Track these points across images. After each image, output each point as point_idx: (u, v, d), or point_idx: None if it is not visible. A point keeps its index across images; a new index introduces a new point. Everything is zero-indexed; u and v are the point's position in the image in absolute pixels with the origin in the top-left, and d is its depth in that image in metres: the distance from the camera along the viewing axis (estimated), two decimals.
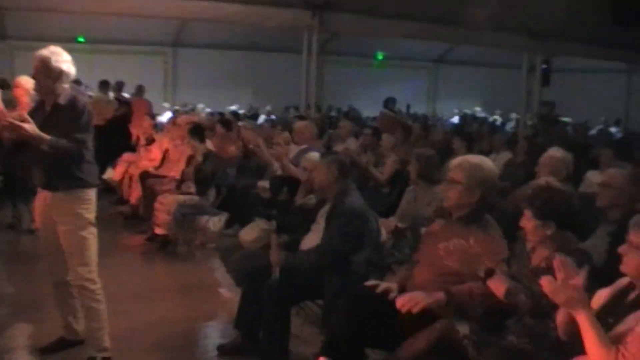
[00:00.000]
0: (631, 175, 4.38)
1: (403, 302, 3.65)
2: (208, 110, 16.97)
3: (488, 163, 4.15)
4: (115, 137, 11.07)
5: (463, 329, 3.47)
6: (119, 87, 14.02)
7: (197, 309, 6.20)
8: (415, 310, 3.61)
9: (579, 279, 2.83)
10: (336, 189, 5.03)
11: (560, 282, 2.82)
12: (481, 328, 3.50)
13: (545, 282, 2.86)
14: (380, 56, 22.02)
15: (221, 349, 5.16)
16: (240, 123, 11.41)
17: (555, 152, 5.52)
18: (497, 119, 19.85)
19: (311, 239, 5.09)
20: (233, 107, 17.98)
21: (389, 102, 12.90)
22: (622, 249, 2.94)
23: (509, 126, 17.76)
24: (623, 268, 2.95)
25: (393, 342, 3.73)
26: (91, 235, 4.63)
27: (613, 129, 17.44)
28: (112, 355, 4.71)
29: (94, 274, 4.65)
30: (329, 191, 5.11)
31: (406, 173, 6.76)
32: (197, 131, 8.56)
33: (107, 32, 17.16)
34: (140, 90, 14.21)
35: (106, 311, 4.72)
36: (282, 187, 6.64)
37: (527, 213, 3.59)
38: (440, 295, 3.67)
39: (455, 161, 4.15)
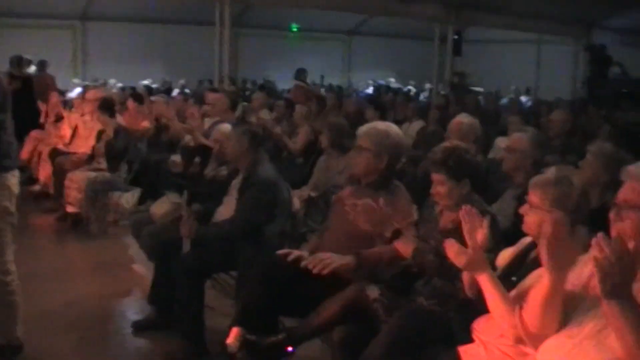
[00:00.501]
0: (533, 139, 4.49)
1: (314, 263, 3.66)
2: (120, 85, 16.54)
3: (395, 130, 4.18)
4: (17, 114, 10.65)
5: (373, 292, 3.50)
6: (18, 62, 13.45)
7: (112, 287, 6.09)
8: (325, 272, 3.63)
9: (483, 230, 2.89)
10: (248, 160, 5.00)
11: (467, 231, 2.89)
12: (391, 291, 3.55)
13: (448, 246, 2.91)
14: (294, 28, 21.97)
15: (136, 325, 5.10)
16: (152, 97, 11.19)
17: (463, 118, 5.61)
18: (411, 89, 20.08)
19: (224, 211, 5.05)
20: (146, 82, 17.60)
21: (300, 74, 12.85)
22: (522, 209, 3.03)
23: (423, 96, 17.99)
24: (524, 227, 3.04)
25: (306, 309, 3.74)
26: (7, 225, 4.33)
27: (523, 98, 17.89)
28: (25, 339, 4.55)
29: (8, 264, 4.37)
30: (241, 162, 5.07)
31: (320, 143, 6.77)
32: (107, 106, 8.34)
33: (12, 5, 16.52)
34: (42, 65, 13.70)
35: (20, 301, 4.51)
36: (193, 158, 6.54)
37: (440, 177, 3.62)
38: (350, 258, 3.69)
39: (363, 128, 4.17)
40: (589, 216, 3.02)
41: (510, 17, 16.00)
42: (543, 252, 2.44)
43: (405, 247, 3.53)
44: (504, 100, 15.33)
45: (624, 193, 2.48)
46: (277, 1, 13.64)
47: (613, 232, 2.42)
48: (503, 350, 2.89)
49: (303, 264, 3.84)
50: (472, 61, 18.14)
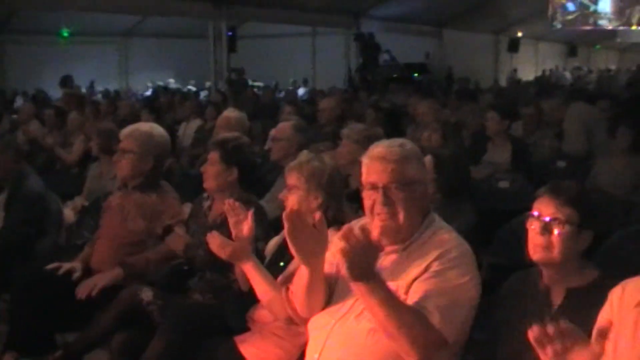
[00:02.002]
0: (296, 126, 4.66)
1: (81, 292, 3.66)
2: None
3: (159, 130, 4.17)
4: None
5: (147, 294, 3.47)
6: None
7: None
8: (94, 293, 3.62)
9: (248, 221, 2.96)
10: (12, 175, 4.77)
11: (232, 224, 2.94)
12: (165, 291, 3.54)
13: (211, 239, 2.96)
14: (65, 33, 21.02)
15: None
16: None
17: (230, 113, 5.71)
18: (192, 88, 19.99)
19: None
20: None
21: (67, 81, 12.37)
22: (281, 194, 3.13)
23: (204, 95, 17.98)
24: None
25: (82, 321, 3.65)
26: None
27: (301, 89, 18.42)
28: None
29: None
30: (4, 178, 4.83)
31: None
32: None
33: None
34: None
35: None
36: None
37: (214, 156, 3.65)
38: (117, 271, 3.70)
39: (126, 131, 4.13)
40: (354, 193, 3.14)
41: (282, 11, 16.37)
42: (290, 244, 2.50)
43: (176, 243, 3.54)
44: (282, 93, 15.69)
45: (363, 173, 2.61)
46: (42, 3, 12.99)
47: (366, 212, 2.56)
48: (277, 334, 3.00)
49: (75, 276, 3.74)
50: (250, 56, 18.36)
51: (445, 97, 11.54)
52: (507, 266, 3.12)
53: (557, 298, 2.52)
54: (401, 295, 2.42)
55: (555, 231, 2.44)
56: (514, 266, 2.80)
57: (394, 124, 7.78)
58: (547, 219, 2.46)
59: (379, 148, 2.59)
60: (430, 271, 2.45)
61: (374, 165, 2.56)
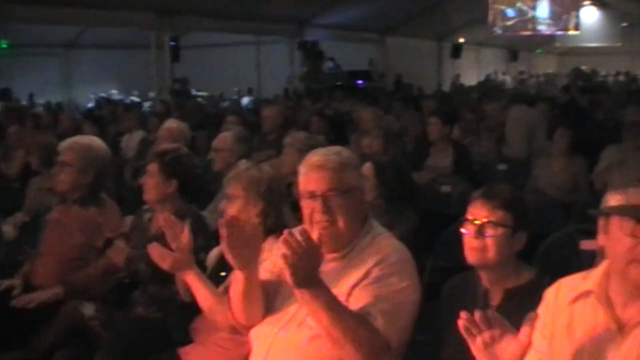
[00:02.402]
0: (236, 136, 4.66)
1: (19, 303, 3.62)
2: None
3: (98, 143, 4.13)
4: None
5: (88, 310, 3.44)
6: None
7: None
8: (31, 306, 3.56)
9: (185, 233, 2.94)
10: None
11: (170, 238, 2.92)
12: (107, 305, 3.51)
13: (151, 250, 2.94)
14: (4, 45, 20.57)
15: None
16: None
17: (171, 124, 5.69)
18: (135, 99, 19.78)
19: None
20: None
21: (4, 94, 12.15)
22: (222, 204, 3.13)
23: (147, 105, 17.81)
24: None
25: (24, 339, 3.58)
26: None
27: (246, 99, 18.39)
28: None
29: None
30: None
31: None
32: None
33: None
34: None
35: None
36: None
37: (153, 167, 3.62)
38: (57, 289, 3.64)
39: (65, 144, 4.07)
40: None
41: (225, 21, 16.31)
42: (226, 251, 2.49)
43: (117, 256, 3.51)
44: (227, 103, 15.63)
45: (301, 183, 2.62)
46: None
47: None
48: (221, 345, 2.99)
49: (14, 293, 3.67)
50: (194, 66, 18.26)
51: (389, 103, 11.64)
52: (450, 269, 3.17)
53: (495, 299, 2.57)
54: (342, 301, 2.43)
55: (489, 234, 2.50)
56: (456, 269, 2.85)
57: (338, 132, 7.85)
58: (481, 222, 2.51)
59: (316, 157, 2.60)
60: (370, 277, 2.47)
61: (311, 174, 2.57)
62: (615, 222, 1.92)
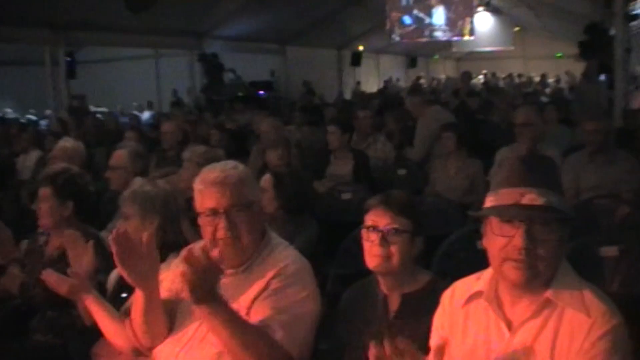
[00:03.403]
0: (132, 152, 4.59)
1: None
2: None
3: None
4: None
5: None
6: None
7: None
8: None
9: (88, 254, 2.88)
10: None
11: (72, 259, 2.85)
12: (3, 335, 3.39)
13: (47, 276, 2.87)
14: None
15: None
16: None
17: (65, 143, 5.57)
18: (32, 118, 19.15)
19: None
20: None
21: None
22: (118, 224, 3.07)
23: (44, 124, 17.28)
24: None
25: None
26: None
27: (146, 113, 18.09)
28: None
29: None
30: None
31: None
32: None
33: None
34: None
35: None
36: None
37: (46, 192, 3.53)
38: None
39: None
40: None
41: (122, 35, 15.98)
42: (119, 267, 2.45)
43: (11, 283, 3.40)
44: (126, 118, 15.31)
45: (199, 200, 2.59)
46: None
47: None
48: None
49: None
50: (92, 82, 17.84)
51: (290, 113, 11.69)
52: (352, 276, 3.20)
53: (394, 304, 2.61)
54: (243, 315, 2.43)
55: (394, 240, 2.54)
56: (359, 276, 2.87)
57: (239, 144, 7.82)
58: (385, 229, 2.55)
59: (214, 173, 2.57)
60: (269, 289, 2.49)
61: (210, 191, 2.54)
62: (489, 223, 1.99)
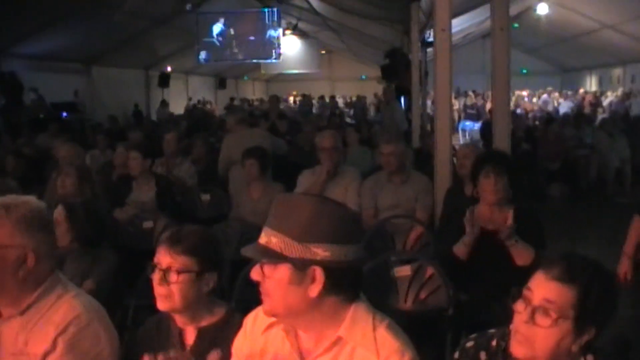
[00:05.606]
0: None
1: None
2: None
3: None
4: None
5: None
6: None
7: None
8: None
9: None
10: None
11: None
12: None
13: None
14: None
15: None
16: None
17: None
18: None
19: None
20: None
21: None
22: None
23: None
24: None
25: None
26: None
27: None
28: None
29: None
30: None
31: None
32: None
33: None
34: None
35: None
36: None
37: None
38: None
39: None
40: None
41: None
42: None
43: None
44: None
45: None
46: None
47: None
48: None
49: None
50: None
51: (94, 136, 11.23)
52: (153, 306, 3.13)
53: (190, 338, 2.58)
54: None
55: (173, 280, 2.50)
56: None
57: (38, 171, 7.43)
58: (164, 268, 2.51)
59: None
60: (62, 347, 2.35)
61: None
62: None
